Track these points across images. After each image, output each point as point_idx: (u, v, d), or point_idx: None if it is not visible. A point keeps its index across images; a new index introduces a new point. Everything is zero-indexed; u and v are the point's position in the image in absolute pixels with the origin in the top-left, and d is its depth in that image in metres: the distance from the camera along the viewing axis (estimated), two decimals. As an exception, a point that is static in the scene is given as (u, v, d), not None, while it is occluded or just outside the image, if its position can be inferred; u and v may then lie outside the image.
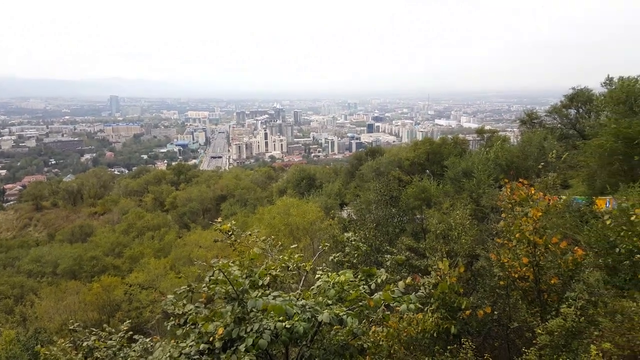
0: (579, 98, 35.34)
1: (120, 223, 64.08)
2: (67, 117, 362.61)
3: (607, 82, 28.73)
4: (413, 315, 8.80)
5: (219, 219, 9.13)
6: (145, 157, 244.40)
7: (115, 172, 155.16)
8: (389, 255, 10.85)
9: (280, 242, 9.62)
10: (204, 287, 6.71)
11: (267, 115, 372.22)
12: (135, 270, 37.41)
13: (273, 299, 6.04)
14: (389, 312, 7.68)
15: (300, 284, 8.37)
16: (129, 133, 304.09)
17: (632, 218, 7.47)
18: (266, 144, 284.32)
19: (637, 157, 17.84)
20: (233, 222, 8.97)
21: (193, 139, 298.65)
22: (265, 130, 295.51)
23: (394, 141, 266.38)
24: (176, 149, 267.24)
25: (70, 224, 71.16)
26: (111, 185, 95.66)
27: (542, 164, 13.69)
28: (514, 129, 79.59)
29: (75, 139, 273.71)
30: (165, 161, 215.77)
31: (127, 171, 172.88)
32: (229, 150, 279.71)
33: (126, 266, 44.94)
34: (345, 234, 9.88)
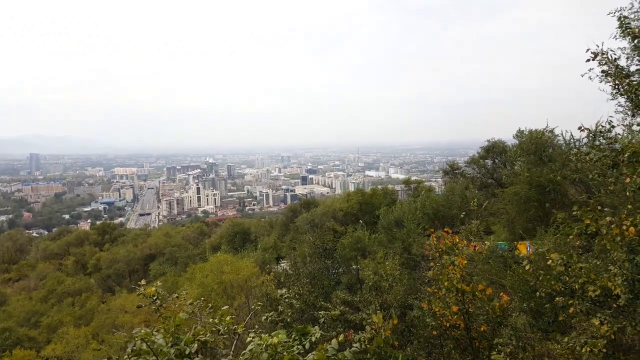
0: (494, 149, 37.88)
1: (38, 289, 58.78)
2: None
3: (518, 134, 31.02)
4: (350, 372, 8.55)
5: (143, 282, 8.51)
6: (67, 217, 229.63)
7: (34, 234, 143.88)
8: (323, 312, 10.66)
9: (210, 304, 9.11)
10: (126, 358, 6.13)
11: (199, 170, 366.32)
12: (53, 341, 34.19)
13: (201, 368, 5.60)
14: (325, 372, 7.41)
15: (232, 349, 7.90)
16: (50, 192, 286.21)
17: (549, 262, 7.83)
18: (199, 198, 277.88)
19: (548, 204, 19.13)
20: (159, 283, 8.41)
21: (120, 196, 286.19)
22: (197, 185, 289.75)
23: (327, 192, 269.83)
24: (101, 207, 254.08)
25: (-21, 293, 64.24)
26: (28, 248, 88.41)
27: (464, 212, 14.30)
28: (438, 179, 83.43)
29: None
30: (89, 220, 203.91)
31: (46, 233, 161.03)
32: (158, 207, 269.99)
33: (43, 337, 40.85)
34: (279, 291, 9.62)
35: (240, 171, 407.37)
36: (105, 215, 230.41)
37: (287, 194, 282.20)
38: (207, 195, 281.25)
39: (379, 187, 57.20)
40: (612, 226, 7.27)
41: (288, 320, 8.70)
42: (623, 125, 12.34)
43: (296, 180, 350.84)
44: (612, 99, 11.00)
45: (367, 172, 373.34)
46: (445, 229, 10.21)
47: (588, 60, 9.72)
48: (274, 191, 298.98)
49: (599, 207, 7.60)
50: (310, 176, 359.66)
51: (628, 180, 7.59)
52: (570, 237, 7.82)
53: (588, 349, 7.07)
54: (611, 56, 9.78)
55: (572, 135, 24.89)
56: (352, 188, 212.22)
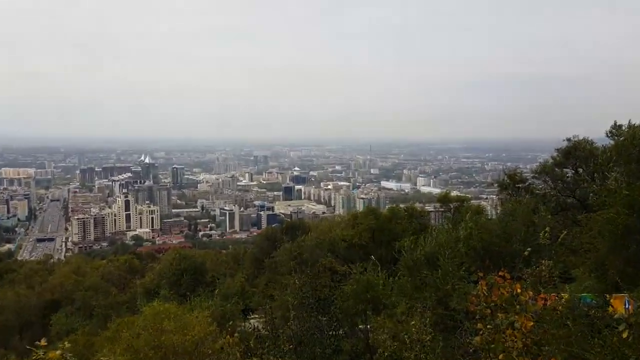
0: (578, 153, 37.83)
1: None
2: None
3: (614, 130, 30.89)
4: None
5: (43, 341, 8.53)
6: None
7: None
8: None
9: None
10: None
11: (130, 174, 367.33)
12: None
13: None
14: None
15: None
16: None
17: (658, 327, 7.79)
18: (128, 217, 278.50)
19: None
20: (67, 344, 8.46)
21: (8, 212, 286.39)
22: (126, 197, 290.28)
23: (323, 213, 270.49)
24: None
25: None
26: None
27: (531, 248, 14.27)
28: (491, 196, 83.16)
29: None
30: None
31: None
32: (67, 229, 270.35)
33: None
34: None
35: (192, 177, 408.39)
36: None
37: (262, 213, 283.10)
38: (140, 213, 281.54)
39: (402, 206, 57.33)
40: None
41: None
42: None
43: (276, 193, 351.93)
44: None
45: (384, 183, 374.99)
46: (501, 273, 10.19)
47: None
48: (242, 209, 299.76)
49: None
50: (297, 187, 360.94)
51: None
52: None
53: None
54: None
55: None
56: (360, 207, 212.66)
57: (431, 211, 57.46)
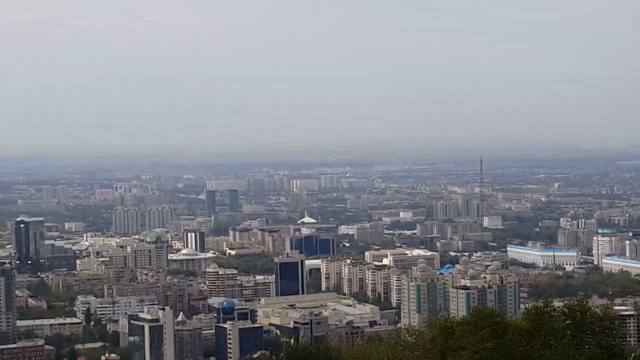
0: None
1: None
2: None
3: None
4: None
5: None
6: None
7: None
8: None
9: None
10: None
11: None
12: None
13: None
14: None
15: None
16: None
17: None
18: None
19: None
20: None
21: None
22: None
23: (373, 323, 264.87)
24: None
25: None
26: None
27: None
28: None
29: None
30: None
31: None
32: None
33: None
34: None
35: (62, 243, 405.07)
36: None
37: (227, 326, 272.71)
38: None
39: (559, 304, 50.12)
40: None
41: None
42: None
43: (260, 278, 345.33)
44: None
45: (515, 250, 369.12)
46: None
47: None
48: (181, 315, 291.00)
49: None
50: (310, 263, 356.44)
51: None
52: None
53: None
54: None
55: None
56: (461, 307, 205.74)
57: (628, 316, 50.39)
